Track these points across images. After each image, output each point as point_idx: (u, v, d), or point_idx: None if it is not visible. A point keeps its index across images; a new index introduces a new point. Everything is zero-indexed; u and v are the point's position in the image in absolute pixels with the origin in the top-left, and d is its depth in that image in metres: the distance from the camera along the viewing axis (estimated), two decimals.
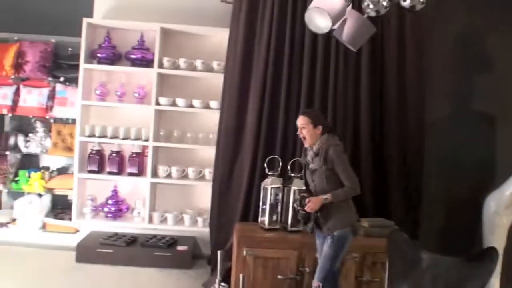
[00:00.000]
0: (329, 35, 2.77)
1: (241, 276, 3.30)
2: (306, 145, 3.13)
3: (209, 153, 4.43)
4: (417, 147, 4.07)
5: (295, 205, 3.16)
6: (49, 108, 4.77)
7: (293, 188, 3.66)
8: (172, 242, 4.41)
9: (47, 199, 4.85)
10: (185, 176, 4.52)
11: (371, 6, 2.55)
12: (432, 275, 2.86)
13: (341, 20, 2.63)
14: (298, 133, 3.15)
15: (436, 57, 4.15)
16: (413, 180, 4.06)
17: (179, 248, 4.35)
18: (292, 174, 3.73)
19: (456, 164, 4.25)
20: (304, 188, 3.41)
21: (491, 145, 4.29)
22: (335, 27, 2.66)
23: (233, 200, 4.09)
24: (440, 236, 4.24)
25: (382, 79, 4.06)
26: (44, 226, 4.75)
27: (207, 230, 4.30)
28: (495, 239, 3.80)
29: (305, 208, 2.98)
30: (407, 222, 3.98)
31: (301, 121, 3.12)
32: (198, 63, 4.45)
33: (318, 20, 2.57)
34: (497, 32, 4.22)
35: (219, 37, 4.47)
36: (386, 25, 4.02)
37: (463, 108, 4.33)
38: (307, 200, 2.99)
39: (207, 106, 4.44)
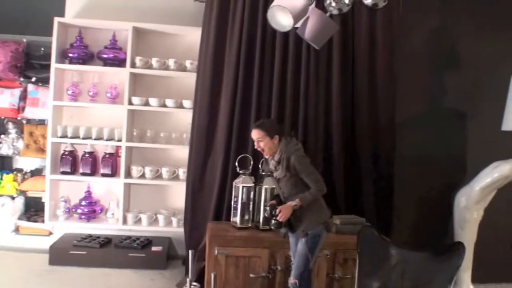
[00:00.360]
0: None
1: (212, 274, 3.28)
2: (266, 156, 3.09)
3: (182, 152, 4.42)
4: (388, 144, 4.09)
5: (266, 215, 3.14)
6: (21, 109, 4.71)
7: (264, 186, 3.67)
8: (146, 242, 4.39)
9: (20, 202, 4.78)
10: (159, 176, 4.50)
11: (333, 4, 2.57)
12: (401, 270, 2.89)
13: (304, 18, 2.63)
14: (255, 146, 3.08)
15: (407, 56, 4.17)
16: (385, 176, 4.08)
17: (154, 248, 4.33)
18: (264, 173, 3.71)
19: (428, 161, 4.28)
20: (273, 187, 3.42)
21: (462, 141, 4.34)
22: (298, 25, 2.67)
23: (207, 199, 4.08)
24: (413, 232, 4.27)
25: (353, 78, 4.07)
26: (17, 229, 4.69)
27: (182, 230, 4.29)
28: (466, 234, 3.84)
29: (277, 218, 2.96)
30: (379, 219, 4.04)
31: (256, 135, 3.04)
32: (171, 63, 4.42)
33: (280, 18, 2.58)
34: (467, 31, 4.28)
35: (192, 36, 4.45)
36: (357, 24, 4.02)
37: (434, 106, 4.37)
38: (278, 210, 2.97)
39: (180, 106, 4.41)
